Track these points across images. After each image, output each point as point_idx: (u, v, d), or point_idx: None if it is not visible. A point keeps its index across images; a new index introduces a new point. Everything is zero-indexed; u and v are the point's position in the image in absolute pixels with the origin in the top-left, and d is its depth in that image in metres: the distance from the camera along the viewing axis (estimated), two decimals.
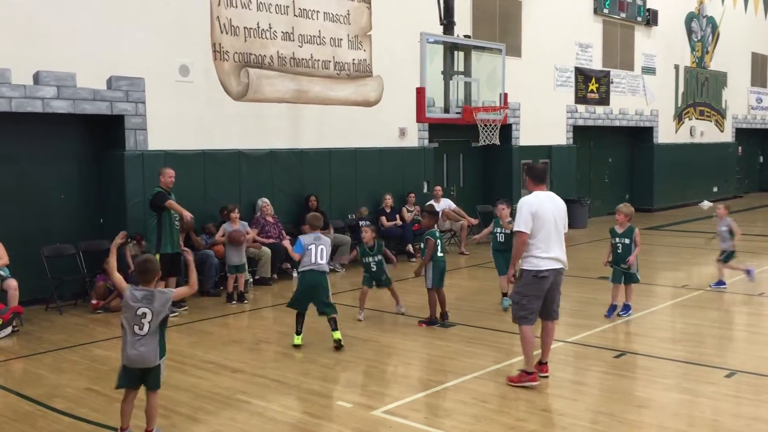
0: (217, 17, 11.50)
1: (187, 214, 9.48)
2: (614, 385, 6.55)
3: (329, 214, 13.09)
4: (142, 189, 10.67)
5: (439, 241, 8.92)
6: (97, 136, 10.88)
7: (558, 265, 6.43)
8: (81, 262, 10.28)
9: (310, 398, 6.24)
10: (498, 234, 9.69)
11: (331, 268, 12.53)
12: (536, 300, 6.40)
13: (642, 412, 5.77)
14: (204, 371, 7.08)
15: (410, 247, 13.80)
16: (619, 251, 8.98)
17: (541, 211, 6.37)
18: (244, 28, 11.86)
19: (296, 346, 7.83)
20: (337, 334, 7.76)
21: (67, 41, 9.90)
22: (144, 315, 5.11)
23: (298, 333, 7.96)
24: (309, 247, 7.83)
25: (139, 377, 5.26)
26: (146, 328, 5.11)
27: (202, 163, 11.42)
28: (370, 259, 9.13)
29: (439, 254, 8.86)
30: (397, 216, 14.03)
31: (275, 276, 11.80)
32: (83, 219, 10.77)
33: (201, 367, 7.24)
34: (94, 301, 9.90)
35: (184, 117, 11.24)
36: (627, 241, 8.99)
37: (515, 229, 6.41)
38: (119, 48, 10.43)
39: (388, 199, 13.93)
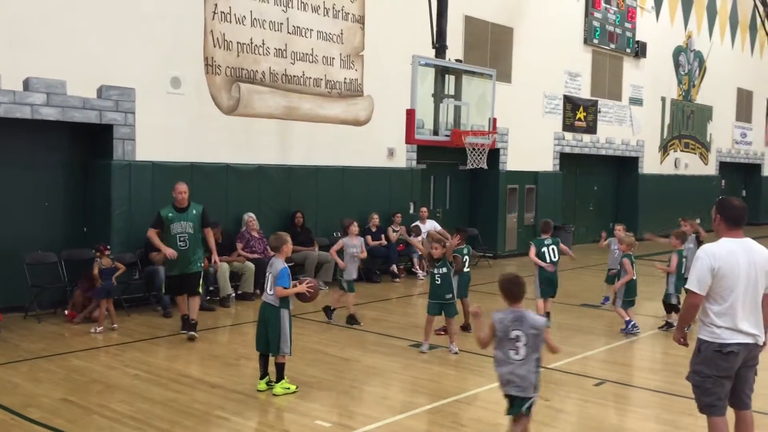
0: (211, 31, 11.54)
1: (166, 253, 8.88)
2: (593, 413, 6.56)
3: (315, 232, 13.09)
4: (128, 199, 10.65)
5: (467, 257, 9.63)
6: (85, 144, 10.84)
7: (749, 340, 4.80)
8: (62, 271, 10.20)
9: (288, 416, 6.20)
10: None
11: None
12: (722, 383, 4.82)
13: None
14: (182, 386, 7.01)
15: (395, 268, 13.79)
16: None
17: (728, 268, 4.75)
18: (237, 43, 11.90)
19: (260, 391, 6.83)
20: (265, 386, 6.81)
21: (59, 49, 9.89)
22: (517, 338, 4.80)
23: (261, 377, 6.88)
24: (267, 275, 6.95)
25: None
26: (522, 352, 4.79)
27: (189, 175, 11.37)
28: (435, 271, 8.76)
29: (466, 269, 9.58)
30: (383, 236, 14.04)
31: (258, 291, 11.75)
32: (67, 227, 10.70)
33: (179, 381, 7.18)
34: (67, 312, 9.78)
35: (173, 129, 11.23)
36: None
37: (686, 286, 4.96)
38: (111, 57, 10.43)
39: (375, 219, 13.95)
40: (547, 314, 9.63)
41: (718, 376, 4.79)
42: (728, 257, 4.76)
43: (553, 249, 9.73)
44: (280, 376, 6.76)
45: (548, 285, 9.69)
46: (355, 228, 10.45)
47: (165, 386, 6.97)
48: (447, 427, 6.03)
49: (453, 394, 6.86)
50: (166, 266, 9.26)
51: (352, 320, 9.92)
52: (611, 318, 10.20)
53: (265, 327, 6.76)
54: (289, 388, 6.73)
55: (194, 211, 9.01)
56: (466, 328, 9.51)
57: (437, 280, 8.52)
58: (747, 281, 4.77)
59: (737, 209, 4.94)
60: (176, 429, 5.83)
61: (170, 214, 8.91)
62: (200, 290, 9.26)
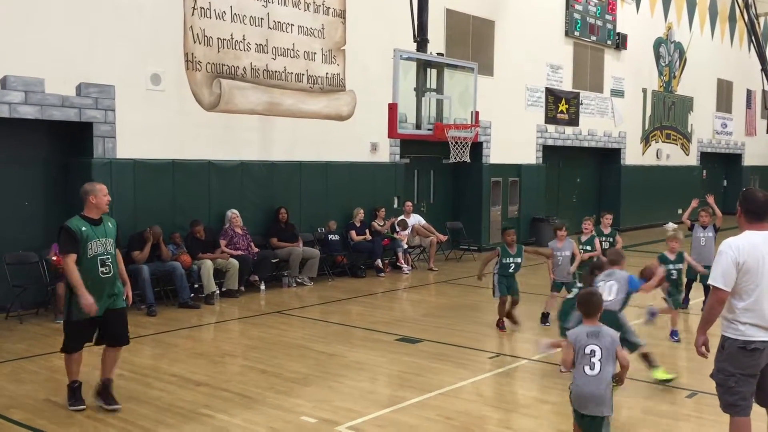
0: (191, 27, 11.45)
1: (86, 302, 5.99)
2: None
3: (299, 227, 13.06)
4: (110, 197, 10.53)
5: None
6: (65, 142, 10.73)
7: None
8: (44, 271, 10.10)
9: (274, 413, 6.19)
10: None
11: (299, 281, 12.53)
12: (747, 381, 4.65)
13: None
14: (167, 384, 6.98)
15: (379, 262, 13.80)
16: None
17: (753, 262, 4.57)
18: (218, 38, 11.83)
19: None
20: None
21: (37, 47, 9.77)
22: (593, 353, 4.73)
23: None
24: None
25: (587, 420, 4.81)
26: (597, 367, 4.71)
27: (171, 172, 11.32)
28: (510, 260, 9.18)
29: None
30: (367, 230, 14.03)
31: (242, 288, 11.72)
32: (48, 226, 10.58)
33: (164, 379, 7.14)
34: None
35: (154, 126, 11.14)
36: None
37: (709, 282, 4.73)
38: (90, 55, 10.33)
39: (360, 214, 13.93)
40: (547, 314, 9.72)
41: (743, 374, 4.61)
42: (752, 251, 4.56)
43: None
44: (654, 365, 7.03)
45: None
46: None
47: (149, 385, 6.94)
48: (433, 420, 6.04)
49: (438, 388, 6.88)
50: (73, 309, 6.10)
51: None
52: None
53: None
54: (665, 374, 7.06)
55: (110, 224, 6.38)
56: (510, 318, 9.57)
57: (511, 268, 9.21)
58: None
59: (759, 201, 4.71)
60: (160, 428, 5.80)
61: (83, 228, 6.12)
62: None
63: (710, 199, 11.31)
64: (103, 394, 6.25)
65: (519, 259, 9.31)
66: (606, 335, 4.79)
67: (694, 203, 11.55)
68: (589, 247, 10.15)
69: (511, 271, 9.27)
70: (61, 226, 6.21)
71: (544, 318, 9.66)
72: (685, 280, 10.52)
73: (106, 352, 6.34)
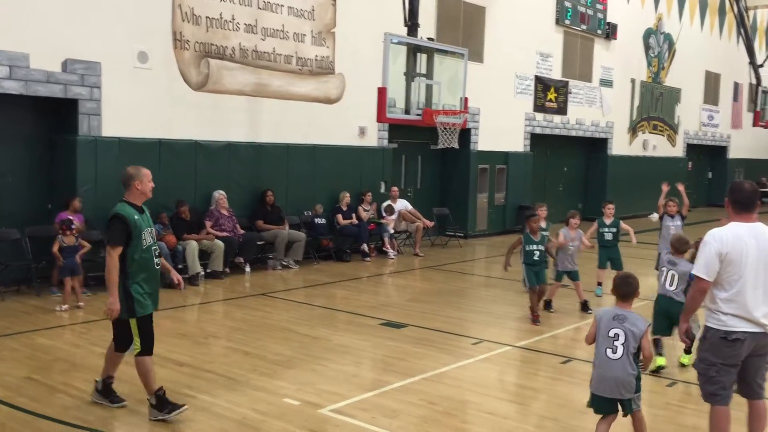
0: (179, 5, 11.32)
1: (177, 277, 6.31)
2: (560, 390, 6.64)
3: (285, 210, 13.02)
4: (93, 175, 10.47)
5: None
6: (49, 119, 10.61)
7: (758, 329, 4.63)
8: (26, 248, 10.01)
9: (257, 395, 6.19)
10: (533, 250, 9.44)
11: (285, 264, 12.51)
12: (728, 371, 4.69)
13: (585, 418, 5.85)
14: None
15: (365, 247, 13.79)
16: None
17: (736, 253, 4.58)
18: (207, 17, 11.70)
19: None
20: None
21: (22, 21, 9.62)
22: (617, 336, 4.72)
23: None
24: None
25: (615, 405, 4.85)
26: (620, 351, 4.70)
27: (157, 152, 11.22)
28: (534, 247, 9.13)
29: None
30: (353, 215, 14.01)
31: (227, 270, 11.68)
32: (31, 203, 10.49)
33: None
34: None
35: (140, 104, 11.03)
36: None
37: (693, 272, 4.77)
38: (76, 30, 10.19)
39: (347, 197, 13.90)
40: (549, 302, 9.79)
41: (724, 364, 4.65)
42: (736, 242, 4.58)
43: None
44: (659, 352, 7.17)
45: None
46: None
47: (132, 365, 6.86)
48: (416, 404, 6.06)
49: (422, 372, 6.90)
50: (137, 304, 5.53)
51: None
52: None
53: (669, 318, 6.99)
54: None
55: (147, 212, 5.80)
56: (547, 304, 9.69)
57: (535, 256, 9.15)
58: (756, 267, 4.59)
59: (746, 192, 4.72)
60: (142, 407, 5.78)
61: (136, 217, 5.56)
62: None
63: (681, 187, 11.46)
64: (165, 402, 5.61)
65: (543, 248, 9.29)
66: (633, 321, 4.76)
67: (665, 187, 11.66)
68: (614, 229, 10.52)
69: (536, 259, 9.18)
70: (114, 214, 5.48)
71: (547, 305, 9.71)
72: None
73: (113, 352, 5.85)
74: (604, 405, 4.87)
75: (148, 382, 5.62)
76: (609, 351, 4.73)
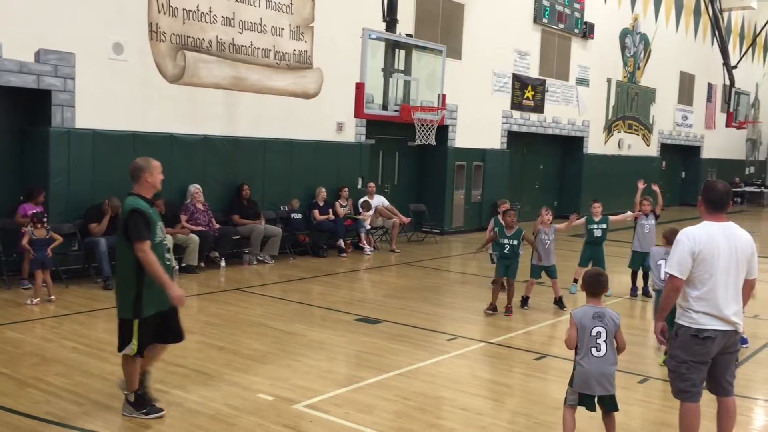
0: None
1: (177, 295, 5.35)
2: (533, 386, 6.69)
3: (261, 205, 12.96)
4: (66, 168, 10.34)
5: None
6: (21, 110, 10.44)
7: (728, 327, 4.69)
8: None
9: (231, 390, 6.15)
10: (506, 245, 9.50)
11: (260, 259, 12.45)
12: (698, 368, 4.74)
13: (558, 414, 5.90)
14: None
15: (341, 242, 13.77)
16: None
17: (709, 252, 4.64)
18: (183, 9, 11.59)
19: None
20: None
21: None
22: (599, 335, 4.78)
23: None
24: None
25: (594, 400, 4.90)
26: (603, 348, 4.77)
27: (132, 144, 11.10)
28: (505, 240, 9.27)
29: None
30: (330, 210, 13.98)
31: (202, 264, 11.60)
32: (1, 196, 10.32)
33: (119, 354, 7.02)
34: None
35: (115, 96, 10.90)
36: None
37: (666, 269, 4.83)
38: (50, 20, 10.03)
39: (323, 193, 13.86)
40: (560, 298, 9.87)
41: (694, 361, 4.71)
42: (709, 241, 4.64)
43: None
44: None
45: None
46: None
47: (104, 359, 6.83)
48: (390, 400, 6.07)
49: (396, 368, 6.91)
50: (145, 304, 5.34)
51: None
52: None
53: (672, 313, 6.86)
54: None
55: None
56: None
57: (506, 249, 9.34)
58: (728, 266, 4.65)
59: (718, 192, 4.77)
60: (114, 402, 5.72)
61: (150, 210, 5.43)
62: None
63: (655, 187, 11.62)
64: (145, 402, 5.52)
65: (515, 242, 9.32)
66: (609, 317, 4.86)
67: (641, 184, 11.80)
68: (604, 225, 10.68)
69: (506, 252, 9.33)
70: (132, 209, 5.27)
71: (524, 301, 9.77)
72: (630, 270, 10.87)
73: (156, 348, 5.64)
74: (590, 403, 4.94)
75: (132, 380, 5.49)
76: (594, 350, 4.80)
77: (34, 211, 9.35)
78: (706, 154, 31.52)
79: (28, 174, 10.47)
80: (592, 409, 4.97)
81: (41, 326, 8.08)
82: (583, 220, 10.86)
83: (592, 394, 4.88)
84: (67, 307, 8.82)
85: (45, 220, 9.26)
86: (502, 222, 9.47)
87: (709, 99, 31.10)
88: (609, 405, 4.94)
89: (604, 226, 10.75)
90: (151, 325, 5.42)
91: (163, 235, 5.49)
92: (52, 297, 9.07)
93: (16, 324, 8.00)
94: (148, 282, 5.29)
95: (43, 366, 6.60)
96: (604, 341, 4.80)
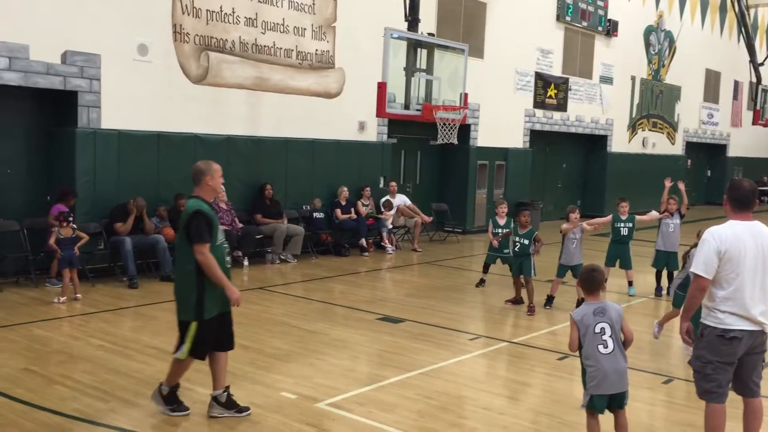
0: None
1: (234, 296, 5.43)
2: (556, 386, 6.66)
3: (284, 204, 13.02)
4: (92, 168, 10.48)
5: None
6: (48, 111, 10.60)
7: (755, 327, 4.64)
8: (25, 239, 10.02)
9: (254, 388, 6.20)
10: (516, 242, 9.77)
11: (283, 258, 12.52)
12: (724, 368, 4.68)
13: (580, 414, 5.86)
14: (148, 356, 6.96)
15: (364, 242, 13.80)
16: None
17: (735, 251, 4.59)
18: (207, 10, 11.68)
19: None
20: None
21: (22, 12, 9.61)
22: (603, 331, 4.67)
23: None
24: None
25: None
26: (610, 344, 4.66)
27: (156, 145, 11.22)
28: (517, 239, 9.60)
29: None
30: (352, 209, 14.01)
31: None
32: (29, 195, 10.49)
33: (145, 352, 7.12)
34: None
35: (140, 97, 11.02)
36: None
37: (691, 269, 4.74)
38: (76, 22, 10.17)
39: (345, 192, 13.90)
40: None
41: (720, 361, 4.64)
42: (735, 240, 4.58)
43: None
44: None
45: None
46: None
47: (130, 357, 6.92)
48: (413, 399, 6.08)
49: (419, 367, 6.91)
50: (206, 306, 5.32)
51: None
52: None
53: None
54: None
55: None
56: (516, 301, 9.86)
57: (516, 247, 9.67)
58: (754, 265, 4.60)
59: (744, 191, 4.71)
60: (140, 399, 5.79)
61: (212, 214, 5.43)
62: None
63: (681, 186, 11.47)
64: (228, 402, 5.54)
65: (526, 241, 9.50)
66: (611, 309, 4.75)
67: (668, 182, 11.66)
68: (630, 224, 10.65)
69: (516, 250, 9.59)
70: (195, 211, 5.24)
71: (549, 301, 9.75)
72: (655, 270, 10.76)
73: (217, 358, 5.54)
74: (601, 404, 4.82)
75: (174, 377, 5.48)
76: (600, 347, 4.68)
77: (61, 210, 9.49)
78: (732, 152, 31.10)
79: (54, 174, 10.63)
80: (601, 411, 4.84)
81: (68, 324, 8.20)
82: (609, 218, 10.79)
83: (604, 395, 4.75)
84: (93, 305, 8.93)
85: (71, 219, 9.39)
86: (518, 221, 9.71)
87: (735, 97, 30.69)
88: (621, 402, 4.81)
89: (631, 224, 10.66)
90: (213, 327, 5.39)
91: (223, 238, 5.46)
92: (78, 295, 9.20)
93: (43, 322, 8.13)
94: (208, 284, 5.26)
95: (70, 363, 6.70)
96: (610, 337, 4.67)
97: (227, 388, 5.58)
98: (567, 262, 9.68)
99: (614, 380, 4.71)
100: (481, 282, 11.01)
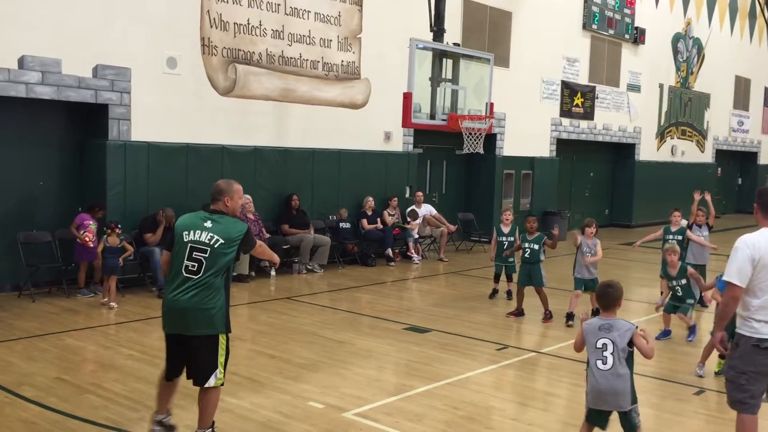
0: (208, 11, 11.46)
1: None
2: (584, 397, 6.58)
3: (310, 215, 13.09)
4: (123, 179, 10.63)
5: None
6: (80, 124, 10.79)
7: None
8: (56, 250, 10.19)
9: (281, 397, 6.23)
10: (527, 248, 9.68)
11: (310, 268, 12.57)
12: (759, 379, 4.59)
13: (611, 425, 5.81)
14: None
15: (390, 251, 13.81)
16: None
17: None
18: (234, 23, 11.83)
19: None
20: None
21: (54, 27, 9.81)
22: (605, 347, 4.64)
23: None
24: None
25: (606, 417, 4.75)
26: (610, 361, 4.61)
27: (185, 156, 11.36)
28: (526, 245, 9.55)
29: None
30: (378, 219, 14.04)
31: (253, 273, 11.78)
32: (61, 207, 10.67)
33: None
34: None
35: (169, 109, 11.18)
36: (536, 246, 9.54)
37: (725, 278, 4.67)
38: (107, 37, 10.36)
39: (370, 202, 13.94)
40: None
41: (755, 371, 4.55)
42: None
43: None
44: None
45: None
46: None
47: (158, 366, 6.95)
48: (439, 409, 6.06)
49: (446, 377, 6.90)
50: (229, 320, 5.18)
51: None
52: None
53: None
54: None
55: None
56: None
57: (527, 253, 9.53)
58: None
59: None
60: (174, 409, 5.84)
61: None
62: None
63: (707, 196, 11.28)
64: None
65: (536, 246, 9.48)
66: (619, 329, 4.67)
67: (697, 195, 11.48)
68: (680, 237, 10.35)
69: (527, 256, 9.50)
70: (247, 227, 5.31)
71: (569, 317, 9.36)
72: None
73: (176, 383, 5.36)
74: (596, 418, 4.79)
75: (211, 414, 5.13)
76: (599, 362, 4.63)
77: (109, 220, 9.94)
78: (763, 159, 30.62)
79: (86, 186, 10.81)
80: (603, 426, 4.79)
81: (99, 334, 8.31)
82: (660, 232, 10.65)
83: (601, 410, 4.71)
84: (123, 315, 9.05)
85: (119, 227, 9.68)
86: (525, 228, 9.71)
87: (766, 104, 30.25)
88: (624, 423, 4.74)
89: (680, 237, 10.28)
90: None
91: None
92: (113, 304, 9.34)
93: (74, 332, 8.25)
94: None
95: (101, 372, 6.80)
96: (611, 354, 4.61)
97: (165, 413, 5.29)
98: (581, 275, 9.39)
99: (608, 398, 4.66)
100: (494, 292, 10.96)
